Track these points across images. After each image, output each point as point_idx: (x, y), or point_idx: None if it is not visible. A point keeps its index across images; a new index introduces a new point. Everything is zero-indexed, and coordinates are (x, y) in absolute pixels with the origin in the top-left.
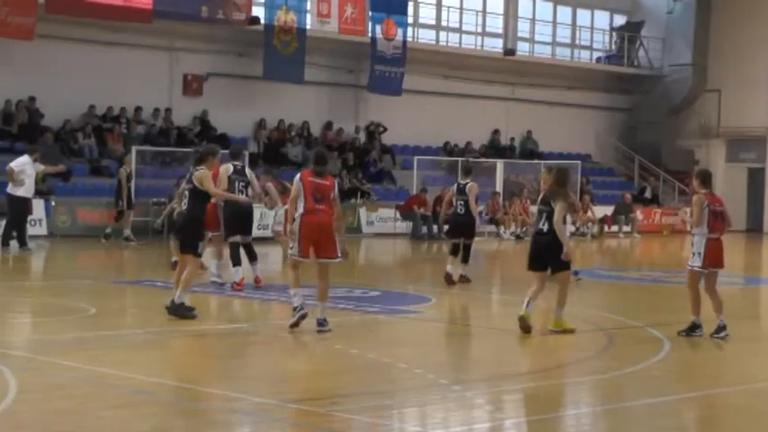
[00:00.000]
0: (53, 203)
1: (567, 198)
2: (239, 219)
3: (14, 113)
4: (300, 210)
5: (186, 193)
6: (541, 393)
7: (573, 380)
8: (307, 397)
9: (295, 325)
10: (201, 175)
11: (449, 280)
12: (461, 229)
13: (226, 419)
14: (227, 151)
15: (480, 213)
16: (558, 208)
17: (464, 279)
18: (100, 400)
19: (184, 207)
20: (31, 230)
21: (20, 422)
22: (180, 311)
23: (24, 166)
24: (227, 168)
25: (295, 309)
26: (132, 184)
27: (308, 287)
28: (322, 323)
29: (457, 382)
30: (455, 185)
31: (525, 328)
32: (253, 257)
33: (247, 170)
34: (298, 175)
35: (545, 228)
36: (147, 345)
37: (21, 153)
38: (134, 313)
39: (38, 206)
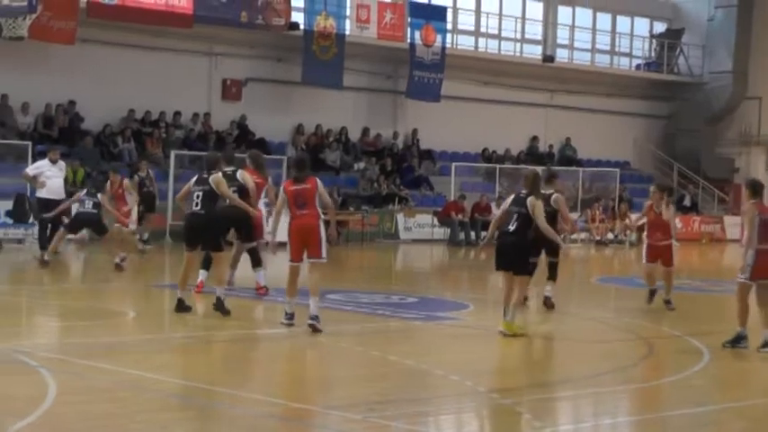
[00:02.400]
0: None
1: (540, 199)
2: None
3: (55, 117)
4: (288, 218)
5: (199, 194)
6: (580, 402)
7: (612, 388)
8: (344, 403)
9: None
10: (218, 179)
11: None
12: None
13: (263, 425)
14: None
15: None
16: (537, 210)
17: (548, 302)
18: (139, 404)
19: (196, 208)
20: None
21: (60, 425)
22: (221, 308)
23: (41, 168)
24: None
25: (286, 314)
26: (155, 188)
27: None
28: (314, 318)
29: (495, 390)
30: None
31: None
32: (256, 263)
33: (239, 174)
34: (282, 186)
35: (511, 228)
36: (185, 348)
37: (62, 156)
38: (173, 317)
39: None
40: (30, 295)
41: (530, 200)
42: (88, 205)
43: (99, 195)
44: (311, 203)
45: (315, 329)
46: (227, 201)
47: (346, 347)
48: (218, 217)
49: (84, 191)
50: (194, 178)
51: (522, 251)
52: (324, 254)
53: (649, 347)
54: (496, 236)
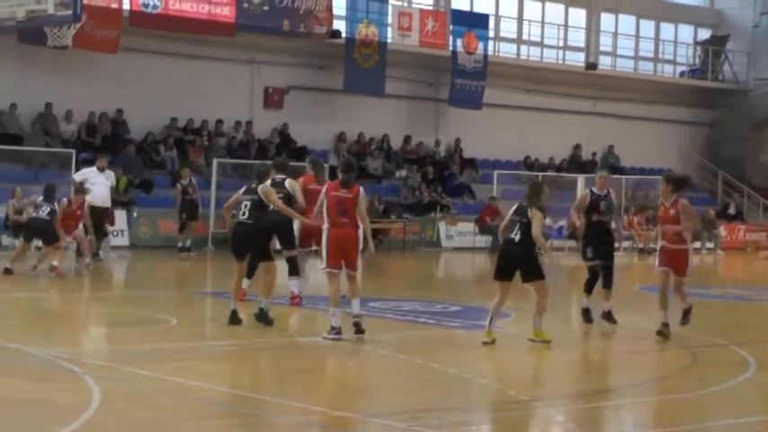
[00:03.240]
0: (135, 214)
1: (544, 209)
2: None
3: (98, 125)
4: (327, 223)
5: (247, 204)
6: (622, 411)
7: (656, 398)
8: (387, 411)
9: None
10: (267, 189)
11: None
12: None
13: None
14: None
15: (561, 229)
16: (536, 219)
17: (608, 317)
18: (181, 411)
19: (243, 217)
20: (113, 241)
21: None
22: (265, 318)
23: (86, 175)
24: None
25: (333, 328)
26: (197, 196)
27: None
28: (359, 316)
29: (537, 399)
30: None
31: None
32: (294, 272)
33: (288, 182)
34: (325, 186)
35: (517, 238)
36: (227, 356)
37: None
38: (215, 324)
39: (120, 217)
40: (73, 302)
41: (530, 210)
42: (44, 211)
43: (56, 204)
44: (352, 212)
45: (359, 329)
46: (272, 208)
47: (388, 355)
48: (265, 225)
49: (42, 197)
50: (243, 188)
51: (530, 258)
52: (358, 266)
53: (693, 357)
54: (500, 244)
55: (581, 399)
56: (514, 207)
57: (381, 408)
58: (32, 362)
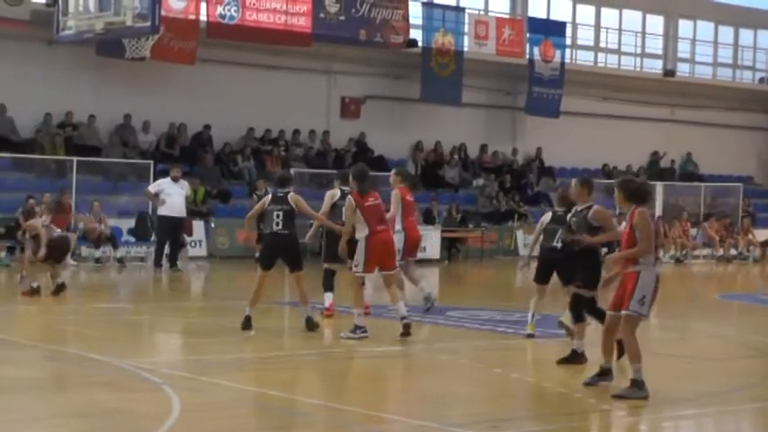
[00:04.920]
0: (212, 225)
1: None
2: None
3: (176, 136)
4: (365, 232)
5: (279, 214)
6: (702, 421)
7: (734, 407)
8: (466, 420)
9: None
10: (297, 197)
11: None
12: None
13: None
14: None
15: None
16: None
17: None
18: (261, 421)
19: (278, 228)
20: (191, 251)
21: None
22: (311, 324)
23: (161, 186)
24: (334, 194)
25: (358, 328)
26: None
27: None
28: (408, 324)
29: (619, 408)
30: (550, 214)
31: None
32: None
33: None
34: (351, 199)
35: (558, 245)
36: (306, 365)
37: (183, 175)
38: (293, 334)
39: (198, 228)
40: (152, 312)
41: (568, 216)
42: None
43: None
44: (385, 219)
45: (407, 331)
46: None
47: (467, 364)
48: (297, 238)
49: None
50: (269, 197)
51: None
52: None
53: None
54: (539, 251)
55: (661, 408)
56: (549, 215)
57: (461, 417)
58: (112, 372)
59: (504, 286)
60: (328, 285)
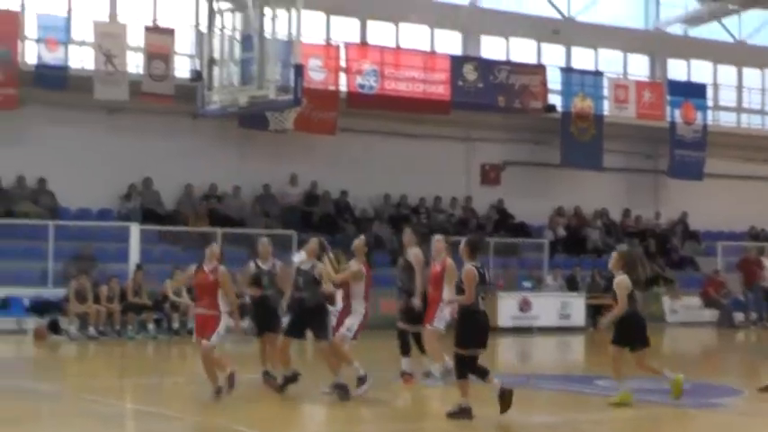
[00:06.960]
0: None
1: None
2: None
3: (320, 203)
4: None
5: (303, 280)
6: None
7: None
8: None
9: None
10: (321, 268)
11: None
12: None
13: None
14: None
15: None
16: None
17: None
18: None
19: (303, 294)
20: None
21: None
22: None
23: (303, 256)
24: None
25: (360, 378)
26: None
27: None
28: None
29: None
30: None
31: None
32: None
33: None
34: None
35: None
36: None
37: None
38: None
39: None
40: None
41: (615, 280)
42: None
43: None
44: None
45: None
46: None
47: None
48: (323, 305)
49: None
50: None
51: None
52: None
53: None
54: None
55: None
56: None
57: None
58: None
59: (652, 354)
60: (405, 349)
